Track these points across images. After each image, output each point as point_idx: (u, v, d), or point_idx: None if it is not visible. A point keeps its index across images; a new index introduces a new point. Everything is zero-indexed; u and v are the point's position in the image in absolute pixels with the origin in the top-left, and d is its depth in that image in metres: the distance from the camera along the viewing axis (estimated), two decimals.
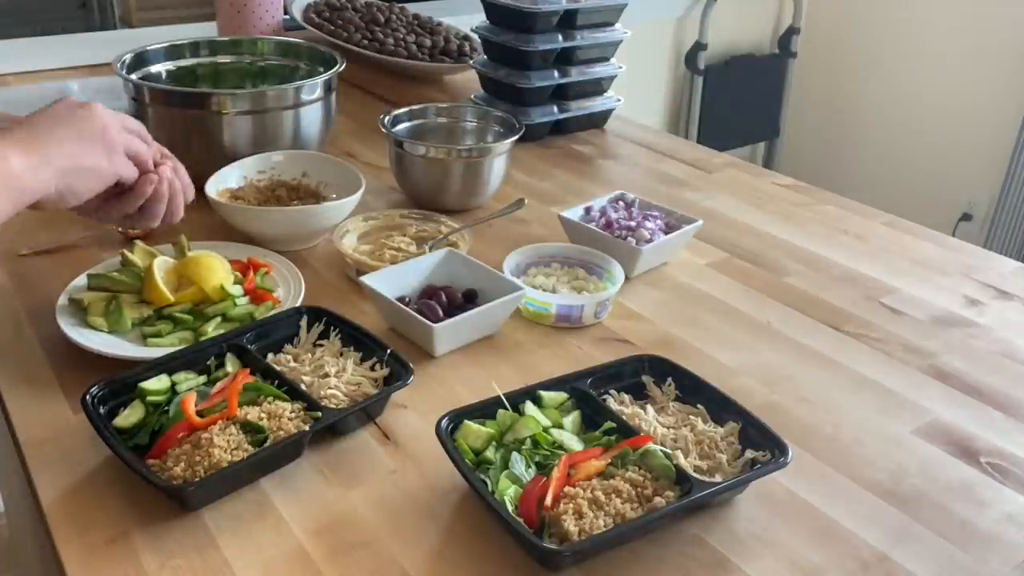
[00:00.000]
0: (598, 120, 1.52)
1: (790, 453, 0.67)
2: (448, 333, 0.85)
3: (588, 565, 0.63)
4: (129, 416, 0.71)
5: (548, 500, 0.63)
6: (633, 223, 1.05)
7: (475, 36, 1.51)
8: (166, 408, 0.72)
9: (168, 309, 0.86)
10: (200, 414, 0.70)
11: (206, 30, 1.77)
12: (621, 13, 1.47)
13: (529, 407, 0.73)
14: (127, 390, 0.73)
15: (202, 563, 0.62)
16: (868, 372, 0.87)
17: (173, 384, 0.74)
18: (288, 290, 0.92)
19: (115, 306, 0.85)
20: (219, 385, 0.74)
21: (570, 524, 0.61)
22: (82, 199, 0.76)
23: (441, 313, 0.87)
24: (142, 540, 0.63)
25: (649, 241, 1.02)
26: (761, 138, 3.47)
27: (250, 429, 0.70)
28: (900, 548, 0.66)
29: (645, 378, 0.78)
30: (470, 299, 0.91)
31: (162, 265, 0.88)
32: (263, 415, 0.71)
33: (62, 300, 0.86)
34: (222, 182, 1.07)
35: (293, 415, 0.71)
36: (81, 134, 0.75)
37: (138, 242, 0.95)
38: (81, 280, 0.89)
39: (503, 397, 0.72)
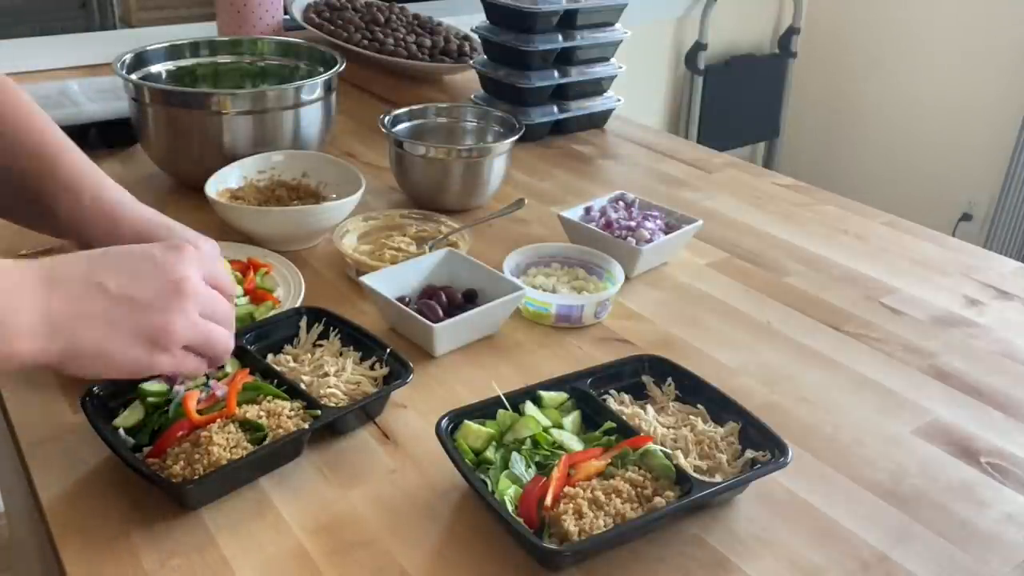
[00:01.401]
0: (598, 120, 1.52)
1: (790, 453, 0.67)
2: (448, 333, 0.85)
3: (588, 565, 0.63)
4: (129, 416, 0.71)
5: (548, 500, 0.63)
6: (633, 223, 1.05)
7: (475, 36, 1.51)
8: (166, 408, 0.72)
9: None
10: (199, 413, 0.70)
11: (206, 30, 1.77)
12: (621, 13, 1.47)
13: (529, 407, 0.72)
14: (127, 390, 0.73)
15: (202, 562, 0.62)
16: (868, 372, 0.87)
17: None
18: (288, 290, 0.92)
19: None
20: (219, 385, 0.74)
21: (570, 524, 0.61)
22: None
23: (441, 313, 0.87)
24: (142, 539, 0.63)
25: (649, 241, 1.02)
26: (761, 138, 3.47)
27: (249, 427, 0.70)
28: (900, 548, 0.66)
29: (645, 378, 0.78)
30: (470, 299, 0.91)
31: None
32: (262, 413, 0.71)
33: None
34: (222, 182, 1.07)
35: (292, 413, 0.71)
36: (127, 310, 0.58)
37: None
38: None
39: (503, 397, 0.72)
